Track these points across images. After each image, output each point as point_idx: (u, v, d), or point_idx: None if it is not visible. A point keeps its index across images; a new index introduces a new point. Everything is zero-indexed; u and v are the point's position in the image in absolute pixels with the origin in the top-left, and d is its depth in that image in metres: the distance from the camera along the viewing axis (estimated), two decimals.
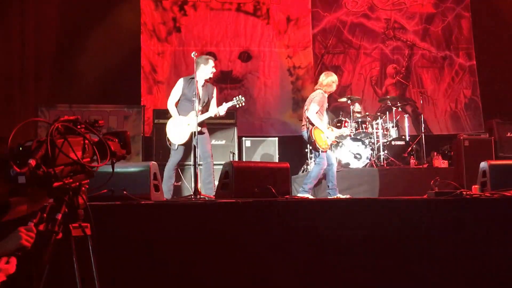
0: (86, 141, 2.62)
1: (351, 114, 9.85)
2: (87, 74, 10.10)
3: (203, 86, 7.52)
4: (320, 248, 5.14)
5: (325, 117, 8.36)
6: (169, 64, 10.64)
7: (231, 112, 9.52)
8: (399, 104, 10.32)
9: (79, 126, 2.61)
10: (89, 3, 10.33)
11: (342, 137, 9.19)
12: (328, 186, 8.09)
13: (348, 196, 7.97)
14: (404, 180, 9.12)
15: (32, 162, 2.35)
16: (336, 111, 10.23)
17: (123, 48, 10.44)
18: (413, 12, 11.63)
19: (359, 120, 9.89)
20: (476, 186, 6.68)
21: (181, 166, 8.41)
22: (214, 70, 7.58)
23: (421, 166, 9.69)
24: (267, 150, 9.64)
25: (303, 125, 8.22)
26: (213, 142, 9.22)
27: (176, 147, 7.41)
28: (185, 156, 7.73)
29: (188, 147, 7.46)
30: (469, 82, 11.55)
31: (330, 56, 11.42)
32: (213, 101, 7.64)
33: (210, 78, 7.62)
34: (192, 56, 7.22)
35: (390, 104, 10.24)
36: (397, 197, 6.23)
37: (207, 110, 7.46)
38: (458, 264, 5.29)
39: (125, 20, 10.56)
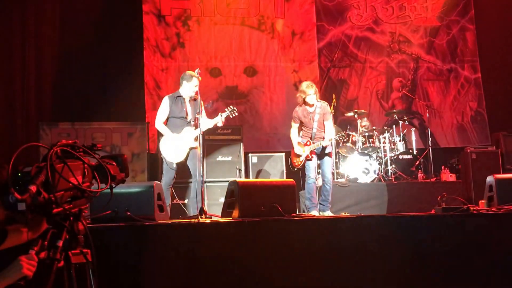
0: (86, 165, 2.58)
1: (358, 128, 9.81)
2: (89, 90, 10.10)
3: (189, 102, 7.53)
4: (328, 265, 5.11)
5: (311, 130, 8.15)
6: (173, 80, 10.56)
7: (237, 128, 9.51)
8: (405, 118, 10.27)
9: (77, 150, 2.57)
10: (91, 19, 10.32)
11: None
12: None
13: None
14: (412, 194, 9.08)
15: (33, 188, 2.31)
16: (343, 125, 10.17)
17: (126, 64, 10.43)
18: (417, 25, 11.61)
19: (366, 134, 9.86)
20: (483, 201, 6.64)
21: (180, 184, 8.34)
22: (196, 88, 7.43)
23: (429, 180, 9.62)
24: (274, 166, 9.56)
25: None
26: (219, 158, 9.18)
27: (174, 166, 7.38)
28: (179, 174, 7.68)
29: (182, 164, 7.45)
30: (475, 95, 11.50)
31: (336, 70, 11.38)
32: (203, 115, 7.53)
33: (195, 94, 7.49)
34: (196, 73, 7.24)
35: (396, 117, 10.20)
36: (404, 213, 6.19)
37: (197, 126, 7.41)
38: (465, 280, 5.25)
39: (128, 35, 10.56)
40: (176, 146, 7.34)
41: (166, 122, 7.56)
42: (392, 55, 11.47)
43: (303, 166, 8.01)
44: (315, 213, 7.66)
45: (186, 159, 7.37)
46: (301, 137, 8.07)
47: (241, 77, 11.01)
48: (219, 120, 7.43)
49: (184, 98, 7.51)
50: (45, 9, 10.11)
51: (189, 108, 7.48)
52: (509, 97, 11.12)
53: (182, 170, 7.61)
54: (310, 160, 7.89)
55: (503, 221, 5.54)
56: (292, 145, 8.17)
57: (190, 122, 7.42)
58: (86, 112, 9.85)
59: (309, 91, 7.91)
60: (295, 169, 8.17)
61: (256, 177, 9.26)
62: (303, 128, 8.07)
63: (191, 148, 7.34)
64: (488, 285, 5.26)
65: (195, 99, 7.51)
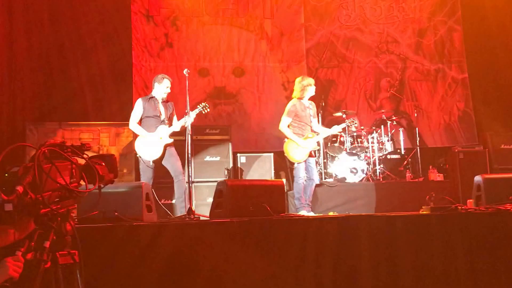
0: (74, 166, 2.57)
1: (347, 129, 9.82)
2: (77, 90, 10.04)
3: (161, 103, 7.69)
4: (316, 265, 5.11)
5: (308, 124, 8.27)
6: None
7: (225, 127, 9.53)
8: (393, 118, 10.31)
9: (65, 150, 2.56)
10: (80, 18, 10.27)
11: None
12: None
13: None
14: (400, 194, 9.13)
15: (20, 188, 2.29)
16: (331, 126, 10.15)
17: (115, 63, 10.38)
18: (405, 25, 11.63)
19: (355, 134, 9.88)
20: (471, 200, 6.69)
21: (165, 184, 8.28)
22: (168, 90, 7.71)
23: (417, 180, 9.67)
24: (262, 165, 9.56)
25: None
26: (208, 158, 9.18)
27: (151, 164, 7.39)
28: (165, 174, 7.67)
29: (159, 164, 7.46)
30: (462, 95, 11.54)
31: (325, 70, 11.37)
32: (174, 117, 7.77)
33: (166, 96, 7.75)
34: (184, 73, 7.27)
35: (385, 117, 10.23)
36: (392, 213, 6.21)
37: (171, 124, 7.60)
38: (453, 279, 5.28)
39: (116, 35, 10.50)
40: (151, 144, 7.39)
41: (140, 123, 7.62)
42: (380, 56, 11.48)
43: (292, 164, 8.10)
44: (304, 212, 7.68)
45: (162, 157, 7.40)
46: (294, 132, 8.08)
47: (230, 77, 10.99)
48: (188, 119, 7.38)
49: (157, 99, 7.60)
50: (33, 8, 10.03)
51: (162, 108, 7.62)
52: (496, 97, 11.19)
53: (166, 170, 7.60)
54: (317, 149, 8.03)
55: (491, 220, 5.57)
56: (282, 142, 8.19)
57: (164, 120, 7.50)
58: (74, 112, 9.80)
59: (312, 81, 8.18)
60: (296, 164, 8.09)
61: (245, 177, 9.26)
62: (297, 123, 8.08)
63: (167, 145, 7.42)
64: (477, 285, 5.29)
65: (167, 101, 7.71)
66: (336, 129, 8.50)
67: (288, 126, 8.10)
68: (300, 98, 8.14)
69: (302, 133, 8.05)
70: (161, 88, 7.64)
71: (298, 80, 8.28)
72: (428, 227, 5.45)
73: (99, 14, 10.36)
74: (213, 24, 11.07)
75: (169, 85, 7.68)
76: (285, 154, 8.11)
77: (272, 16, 11.27)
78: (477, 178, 6.63)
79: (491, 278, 5.31)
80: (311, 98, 8.40)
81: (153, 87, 7.78)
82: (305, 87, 8.10)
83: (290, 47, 11.25)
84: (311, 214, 7.75)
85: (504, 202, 5.97)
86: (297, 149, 7.98)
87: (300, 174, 7.96)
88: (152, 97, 7.68)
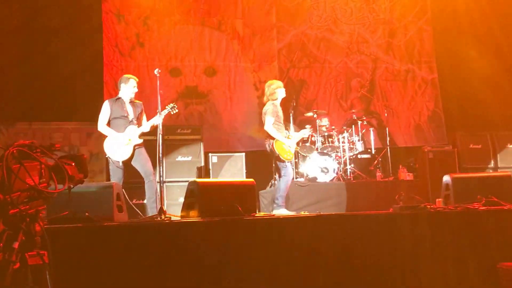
0: (43, 166, 2.55)
1: (318, 128, 9.88)
2: (48, 90, 9.92)
3: (129, 103, 7.59)
4: (288, 264, 5.13)
5: (286, 126, 8.49)
6: None
7: (197, 127, 9.51)
8: (364, 118, 10.39)
9: (35, 151, 2.54)
10: (51, 17, 10.15)
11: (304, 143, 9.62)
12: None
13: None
14: (371, 193, 9.20)
15: None
16: (303, 125, 10.21)
17: (86, 63, 10.28)
18: (376, 26, 11.73)
19: (326, 134, 9.94)
20: (440, 199, 6.79)
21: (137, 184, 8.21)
22: (135, 89, 7.61)
23: (387, 179, 9.76)
24: (234, 165, 9.55)
25: (265, 139, 8.25)
26: (179, 158, 9.16)
27: (120, 164, 7.33)
28: (136, 174, 7.63)
29: (129, 164, 7.42)
30: (432, 95, 11.68)
31: (296, 70, 11.41)
32: (144, 117, 7.66)
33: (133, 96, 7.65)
34: (155, 73, 7.22)
35: (355, 117, 10.31)
36: (363, 212, 6.27)
37: (140, 124, 7.50)
38: (422, 276, 5.35)
39: (87, 35, 10.41)
40: (120, 144, 7.31)
41: (108, 125, 7.52)
42: (351, 56, 11.55)
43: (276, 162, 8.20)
44: (284, 211, 7.73)
45: (131, 158, 7.33)
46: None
47: (201, 77, 10.96)
48: (156, 120, 7.32)
49: (124, 100, 7.53)
50: (2, 6, 9.89)
51: (129, 108, 7.51)
52: (465, 97, 11.34)
53: (137, 170, 7.55)
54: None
55: (460, 219, 5.66)
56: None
57: (132, 121, 7.43)
58: (44, 112, 9.69)
59: (282, 84, 8.39)
60: (286, 163, 8.13)
61: (216, 177, 9.26)
62: (277, 123, 8.15)
63: (136, 146, 7.35)
64: (446, 283, 5.37)
65: (134, 102, 7.62)
66: (306, 133, 8.67)
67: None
68: (274, 100, 8.21)
69: (282, 134, 8.12)
70: (128, 88, 7.55)
71: (267, 84, 8.39)
72: (397, 226, 5.51)
73: (71, 14, 10.25)
74: (184, 24, 11.03)
75: (136, 85, 7.60)
76: (277, 153, 8.08)
77: (243, 16, 11.27)
78: (446, 178, 6.73)
79: (460, 276, 5.40)
80: (283, 99, 8.45)
81: (119, 88, 7.67)
82: (275, 90, 8.17)
83: (261, 47, 11.27)
84: (289, 213, 7.78)
85: (472, 201, 6.07)
86: (285, 148, 8.07)
87: (289, 173, 8.07)
88: (119, 98, 7.58)
